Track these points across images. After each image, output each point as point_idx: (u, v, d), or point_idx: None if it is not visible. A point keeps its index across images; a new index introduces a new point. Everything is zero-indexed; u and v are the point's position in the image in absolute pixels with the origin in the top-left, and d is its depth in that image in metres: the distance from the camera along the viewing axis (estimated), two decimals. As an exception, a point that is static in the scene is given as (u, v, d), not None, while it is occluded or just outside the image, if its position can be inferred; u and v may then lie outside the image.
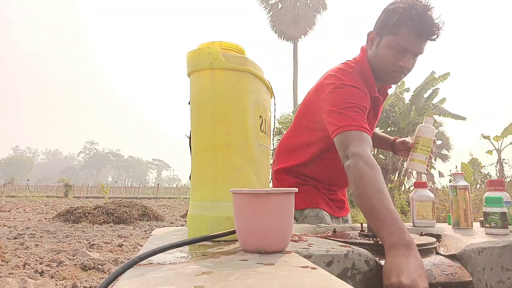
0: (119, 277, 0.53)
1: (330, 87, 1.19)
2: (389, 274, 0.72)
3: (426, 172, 1.20)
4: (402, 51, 1.17)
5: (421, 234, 1.01)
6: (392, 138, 1.53)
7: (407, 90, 13.39)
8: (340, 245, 0.79)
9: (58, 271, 3.70)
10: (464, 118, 13.09)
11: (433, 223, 1.16)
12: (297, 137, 1.43)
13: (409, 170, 13.59)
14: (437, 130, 13.53)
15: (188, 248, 0.72)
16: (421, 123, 1.25)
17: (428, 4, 1.13)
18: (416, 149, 1.20)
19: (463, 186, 1.15)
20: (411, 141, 1.28)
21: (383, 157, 13.70)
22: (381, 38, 1.21)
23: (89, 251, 4.66)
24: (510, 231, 1.02)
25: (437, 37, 1.15)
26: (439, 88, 13.07)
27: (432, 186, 10.56)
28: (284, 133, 1.37)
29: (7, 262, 4.14)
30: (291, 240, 0.81)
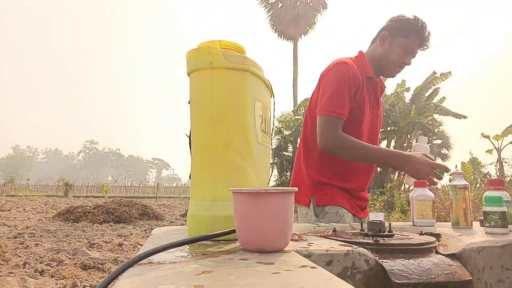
0: (119, 276, 0.53)
1: (324, 72, 1.49)
2: (417, 175, 1.29)
3: (433, 222, 1.20)
4: (408, 51, 1.48)
5: (420, 234, 1.01)
6: None
7: (408, 89, 13.38)
8: (340, 244, 0.79)
9: (58, 270, 3.70)
10: (465, 117, 13.08)
11: (433, 222, 1.17)
12: (309, 132, 1.56)
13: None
14: (437, 129, 13.54)
15: (188, 247, 0.72)
16: (416, 143, 1.38)
17: (428, 26, 1.49)
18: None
19: (463, 185, 1.15)
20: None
21: (383, 157, 13.68)
22: (394, 39, 1.49)
23: (89, 250, 4.66)
24: (510, 231, 1.02)
25: (427, 48, 1.51)
26: (439, 88, 13.06)
27: (432, 185, 10.56)
28: (284, 132, 1.48)
29: (7, 261, 4.14)
30: (291, 239, 0.81)
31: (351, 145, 1.36)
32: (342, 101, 1.38)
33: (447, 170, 1.30)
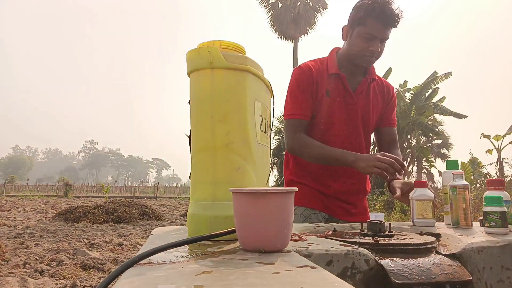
0: (119, 276, 0.53)
1: None
2: (368, 166, 1.27)
3: (433, 222, 1.19)
4: (370, 38, 1.40)
5: (420, 234, 1.01)
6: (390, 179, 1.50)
7: (409, 90, 13.38)
8: (340, 245, 0.79)
9: (58, 270, 3.70)
10: (465, 116, 13.08)
11: (432, 222, 1.17)
12: None
13: (409, 170, 13.60)
14: (437, 129, 13.53)
15: (188, 247, 0.72)
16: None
17: (389, 1, 1.38)
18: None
19: (463, 185, 1.15)
20: (399, 188, 1.36)
21: (383, 157, 13.68)
22: (353, 30, 1.44)
23: (89, 250, 4.66)
24: (510, 231, 1.02)
25: (397, 24, 1.40)
26: (439, 88, 13.05)
27: (432, 185, 10.57)
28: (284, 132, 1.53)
29: (7, 261, 4.14)
30: (291, 239, 0.81)
31: (309, 146, 1.42)
32: (298, 103, 1.45)
33: (395, 159, 1.24)
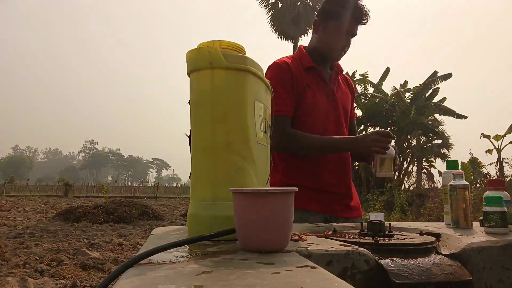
0: (119, 276, 0.53)
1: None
2: (367, 147, 1.32)
3: (393, 177, 1.38)
4: (342, 33, 1.44)
5: (420, 234, 1.01)
6: None
7: (409, 90, 13.39)
8: (340, 245, 0.79)
9: (58, 270, 3.70)
10: (465, 117, 13.08)
11: (391, 174, 1.36)
12: None
13: (409, 170, 13.60)
14: (437, 129, 13.53)
15: (188, 247, 0.72)
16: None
17: (362, 3, 1.44)
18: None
19: (462, 185, 1.15)
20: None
21: (383, 157, 13.68)
22: (326, 24, 1.47)
23: (89, 250, 4.66)
24: (510, 231, 1.02)
25: (366, 21, 1.46)
26: (439, 88, 13.05)
27: (432, 185, 10.57)
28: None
29: (7, 261, 4.14)
30: (291, 239, 0.81)
31: (300, 139, 1.41)
32: (281, 99, 1.41)
33: (389, 134, 1.34)
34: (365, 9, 1.43)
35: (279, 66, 1.47)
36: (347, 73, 1.85)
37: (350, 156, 1.58)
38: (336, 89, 1.55)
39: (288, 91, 1.45)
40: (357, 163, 12.96)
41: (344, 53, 1.50)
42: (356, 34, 1.48)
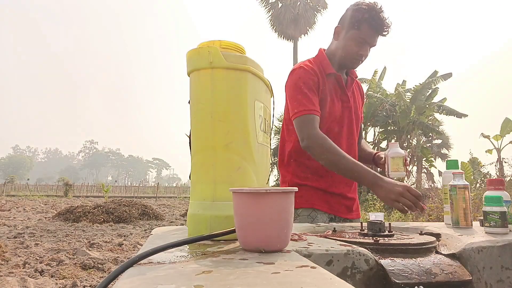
0: (119, 276, 0.53)
1: (285, 83, 1.52)
2: (388, 197, 1.23)
3: (406, 176, 1.40)
4: (362, 43, 1.44)
5: (420, 233, 1.01)
6: (373, 152, 1.66)
7: (409, 90, 13.38)
8: (340, 244, 0.79)
9: (58, 270, 3.70)
10: (465, 115, 13.08)
11: (404, 174, 1.36)
12: (283, 137, 1.63)
13: (409, 170, 13.59)
14: (437, 129, 13.53)
15: (188, 247, 0.72)
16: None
17: (381, 7, 1.43)
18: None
19: (463, 185, 1.15)
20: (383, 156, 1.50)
21: (383, 157, 13.68)
22: (347, 32, 1.47)
23: (89, 250, 4.66)
24: (510, 230, 1.02)
25: (387, 33, 1.45)
26: (438, 88, 13.04)
27: (432, 185, 10.56)
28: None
29: (7, 261, 4.14)
30: (291, 239, 0.81)
31: (329, 150, 1.34)
32: (308, 99, 1.41)
33: (419, 196, 1.22)
34: (387, 21, 1.42)
35: (305, 70, 1.47)
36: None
37: (357, 158, 1.60)
38: (350, 96, 1.57)
39: (314, 93, 1.44)
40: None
41: (362, 63, 1.51)
42: (375, 45, 1.48)
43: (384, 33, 1.45)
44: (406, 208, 1.21)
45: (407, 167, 1.37)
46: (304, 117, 1.39)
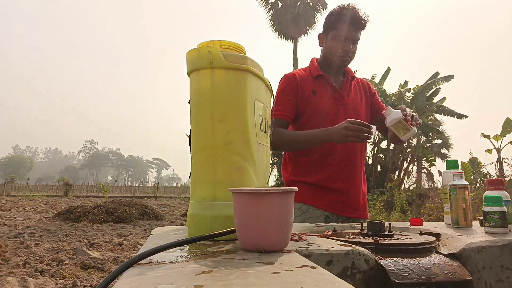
0: (119, 276, 0.53)
1: None
2: (340, 138, 1.37)
3: (415, 131, 1.40)
4: (343, 39, 1.56)
5: (420, 233, 1.01)
6: None
7: (409, 90, 13.38)
8: (340, 244, 0.79)
9: (58, 270, 3.70)
10: (466, 116, 13.07)
11: (413, 132, 1.38)
12: None
13: (409, 169, 13.60)
14: (437, 129, 13.53)
15: (188, 247, 0.72)
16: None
17: (354, 5, 1.56)
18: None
19: (462, 185, 1.15)
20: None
21: (383, 157, 13.70)
22: (328, 35, 1.61)
23: (89, 250, 4.66)
24: (510, 230, 1.02)
25: (364, 26, 1.57)
26: (440, 87, 13.04)
27: (432, 185, 10.56)
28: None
29: (7, 261, 4.14)
30: (291, 239, 0.81)
31: (283, 136, 1.51)
32: (279, 105, 1.57)
33: (361, 123, 1.35)
34: (359, 15, 1.54)
35: (286, 77, 1.62)
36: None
37: (362, 154, 1.64)
38: (346, 94, 1.65)
39: (287, 98, 1.57)
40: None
41: (350, 58, 1.60)
42: (357, 39, 1.58)
43: (360, 25, 1.56)
44: (359, 138, 1.35)
45: (410, 122, 1.39)
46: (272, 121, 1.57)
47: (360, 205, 1.62)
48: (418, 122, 1.41)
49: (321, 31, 1.66)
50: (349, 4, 1.57)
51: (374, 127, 1.42)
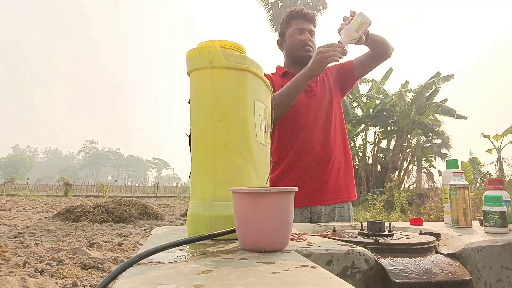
0: (119, 276, 0.53)
1: None
2: (317, 63, 1.39)
3: (357, 39, 1.40)
4: (298, 32, 1.67)
5: (420, 233, 1.01)
6: None
7: (410, 90, 13.38)
8: (340, 244, 0.79)
9: (58, 270, 3.71)
10: (465, 118, 13.07)
11: (356, 36, 1.37)
12: None
13: (409, 169, 13.60)
14: (437, 129, 13.53)
15: (188, 247, 0.72)
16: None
17: (302, 7, 1.72)
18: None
19: (462, 185, 1.15)
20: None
21: (383, 156, 13.70)
22: (285, 37, 1.73)
23: (89, 250, 4.66)
24: (510, 230, 1.02)
25: (314, 20, 1.69)
26: (440, 87, 13.04)
27: (432, 185, 10.57)
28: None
29: (7, 261, 4.14)
30: (291, 239, 0.81)
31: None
32: None
33: (329, 44, 1.38)
34: (307, 11, 1.67)
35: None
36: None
37: (337, 145, 1.65)
38: (315, 85, 1.70)
39: None
40: (356, 163, 12.96)
41: (311, 48, 1.67)
42: (312, 30, 1.68)
43: (309, 18, 1.68)
44: (335, 56, 1.36)
45: (364, 35, 1.42)
46: None
47: (335, 190, 1.63)
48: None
49: (278, 37, 1.78)
50: (298, 6, 1.71)
51: (346, 43, 1.38)
